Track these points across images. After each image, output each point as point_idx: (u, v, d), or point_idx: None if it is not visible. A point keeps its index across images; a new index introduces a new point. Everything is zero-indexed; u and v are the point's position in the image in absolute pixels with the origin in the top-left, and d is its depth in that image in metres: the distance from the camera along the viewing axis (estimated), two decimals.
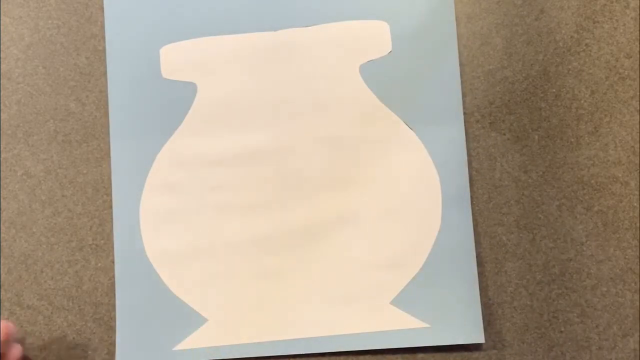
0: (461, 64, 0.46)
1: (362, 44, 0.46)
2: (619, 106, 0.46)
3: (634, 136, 0.45)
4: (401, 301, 0.44)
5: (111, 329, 0.45)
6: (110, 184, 0.46)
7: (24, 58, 0.47)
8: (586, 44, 0.46)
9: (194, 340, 0.44)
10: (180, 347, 0.44)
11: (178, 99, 0.46)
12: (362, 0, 0.46)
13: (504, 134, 0.46)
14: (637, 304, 0.44)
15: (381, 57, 0.46)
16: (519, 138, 0.46)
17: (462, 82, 0.46)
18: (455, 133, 0.46)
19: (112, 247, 0.46)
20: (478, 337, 0.44)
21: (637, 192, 0.45)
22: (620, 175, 0.45)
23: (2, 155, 0.47)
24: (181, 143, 0.46)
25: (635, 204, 0.45)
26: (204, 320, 0.45)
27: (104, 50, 0.47)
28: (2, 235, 0.46)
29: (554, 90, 0.46)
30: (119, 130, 0.46)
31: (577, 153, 0.45)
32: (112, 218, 0.46)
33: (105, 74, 0.47)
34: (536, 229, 0.45)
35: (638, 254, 0.45)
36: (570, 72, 0.46)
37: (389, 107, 0.46)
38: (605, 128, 0.46)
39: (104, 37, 0.47)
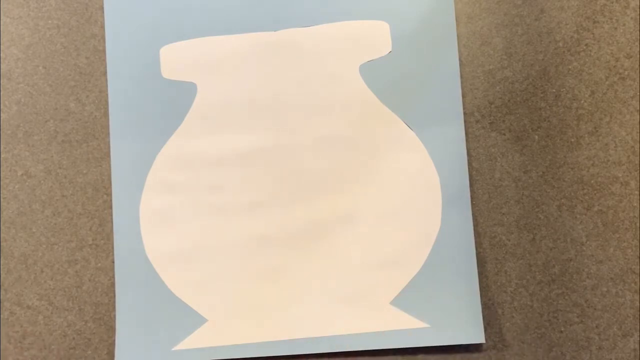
0: (461, 64, 0.46)
1: (362, 44, 0.46)
2: (619, 106, 0.46)
3: (634, 136, 0.45)
4: (401, 301, 0.44)
5: (111, 329, 0.45)
6: (110, 184, 0.46)
7: (24, 58, 0.47)
8: (586, 44, 0.46)
9: (194, 340, 0.44)
10: (180, 347, 0.44)
11: (178, 99, 0.46)
12: (362, 0, 0.46)
13: (504, 134, 0.46)
14: (637, 304, 0.44)
15: (381, 57, 0.46)
16: (519, 138, 0.46)
17: (462, 82, 0.46)
18: (455, 133, 0.46)
19: (112, 247, 0.46)
20: (478, 337, 0.44)
21: (637, 192, 0.45)
22: (620, 175, 0.45)
23: (2, 155, 0.47)
24: (181, 143, 0.46)
25: (635, 204, 0.45)
26: (204, 320, 0.45)
27: (104, 50, 0.47)
28: (2, 235, 0.46)
29: (554, 90, 0.46)
30: (119, 130, 0.46)
31: (577, 153, 0.45)
32: (112, 218, 0.46)
33: (105, 74, 0.47)
34: (536, 229, 0.45)
35: (638, 254, 0.44)
36: (570, 72, 0.46)
37: (389, 107, 0.46)
38: (605, 128, 0.46)
39: (104, 37, 0.47)
